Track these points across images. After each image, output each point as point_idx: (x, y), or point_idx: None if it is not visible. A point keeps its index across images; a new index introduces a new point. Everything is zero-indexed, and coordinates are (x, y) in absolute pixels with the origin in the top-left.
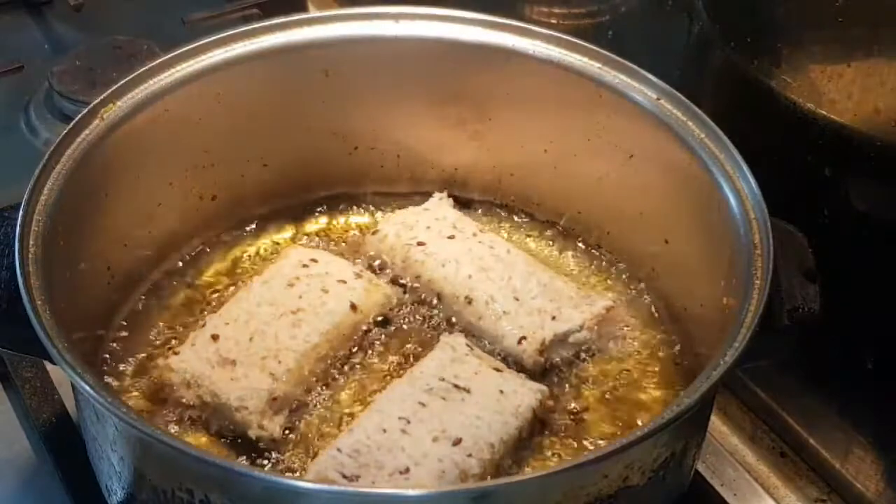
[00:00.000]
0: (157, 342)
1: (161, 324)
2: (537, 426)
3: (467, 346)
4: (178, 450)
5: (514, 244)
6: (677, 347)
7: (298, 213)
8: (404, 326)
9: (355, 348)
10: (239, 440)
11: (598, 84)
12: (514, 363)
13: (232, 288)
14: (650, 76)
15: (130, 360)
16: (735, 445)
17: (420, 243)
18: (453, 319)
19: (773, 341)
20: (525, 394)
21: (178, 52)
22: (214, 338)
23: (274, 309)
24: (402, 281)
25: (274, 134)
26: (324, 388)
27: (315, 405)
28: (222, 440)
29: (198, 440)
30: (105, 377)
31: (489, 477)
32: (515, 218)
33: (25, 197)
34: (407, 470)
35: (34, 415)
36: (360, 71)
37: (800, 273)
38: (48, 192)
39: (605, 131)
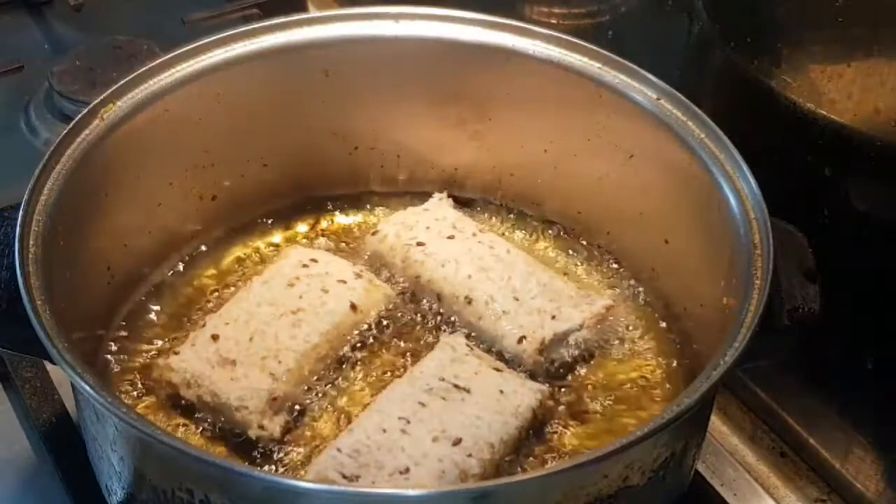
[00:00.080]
0: (157, 342)
1: (161, 324)
2: (537, 426)
3: (467, 346)
4: (178, 450)
5: (513, 244)
6: (677, 347)
7: (298, 213)
8: (404, 326)
9: (355, 348)
10: (239, 440)
11: (598, 84)
12: (514, 363)
13: (232, 288)
14: (650, 76)
15: (130, 360)
16: (735, 445)
17: (420, 243)
18: (453, 319)
19: (773, 341)
20: (525, 394)
21: (178, 52)
22: (214, 338)
23: (274, 309)
24: (402, 281)
25: (274, 134)
26: (324, 388)
27: (315, 405)
28: (222, 440)
29: (198, 440)
30: (105, 377)
31: (489, 477)
32: (515, 218)
33: (25, 197)
34: (407, 470)
35: (34, 415)
36: (360, 71)
37: (800, 273)
38: (48, 192)
39: (605, 131)
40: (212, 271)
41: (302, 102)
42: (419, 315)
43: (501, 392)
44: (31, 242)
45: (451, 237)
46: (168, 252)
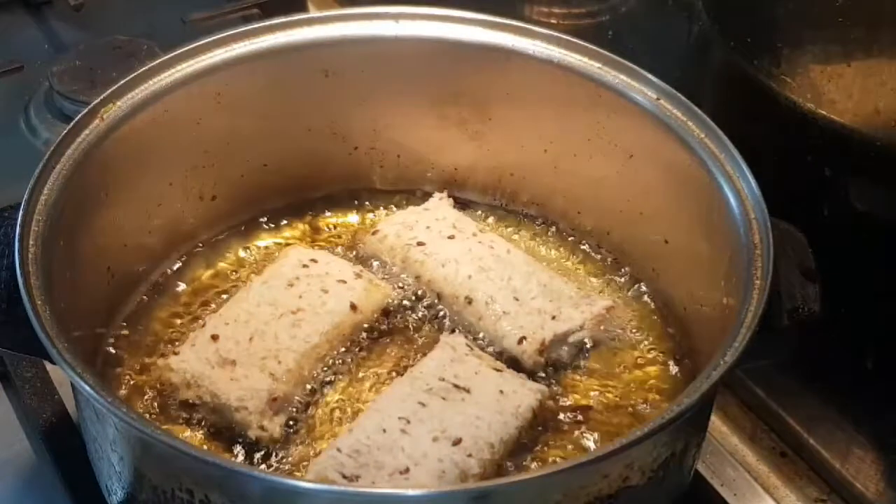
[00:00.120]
0: (157, 342)
1: (161, 324)
2: (537, 426)
3: (467, 346)
4: (178, 450)
5: (513, 244)
6: (677, 347)
7: (298, 213)
8: (404, 326)
9: (355, 348)
10: (239, 440)
11: (598, 84)
12: (514, 363)
13: (232, 288)
14: (650, 76)
15: (130, 359)
16: (735, 445)
17: (420, 243)
18: (453, 319)
19: (773, 341)
20: (525, 394)
21: (178, 52)
22: (214, 338)
23: (274, 309)
24: (402, 281)
25: (274, 134)
26: (324, 388)
27: (315, 405)
28: (223, 440)
29: (198, 440)
30: (105, 377)
31: (489, 477)
32: (515, 218)
33: (25, 197)
34: (407, 470)
35: (34, 415)
36: (360, 71)
37: (800, 273)
38: (48, 192)
39: (605, 131)
40: (211, 271)
41: (302, 102)
42: (419, 315)
43: (501, 392)
44: (31, 242)
45: (451, 237)
46: (168, 252)
